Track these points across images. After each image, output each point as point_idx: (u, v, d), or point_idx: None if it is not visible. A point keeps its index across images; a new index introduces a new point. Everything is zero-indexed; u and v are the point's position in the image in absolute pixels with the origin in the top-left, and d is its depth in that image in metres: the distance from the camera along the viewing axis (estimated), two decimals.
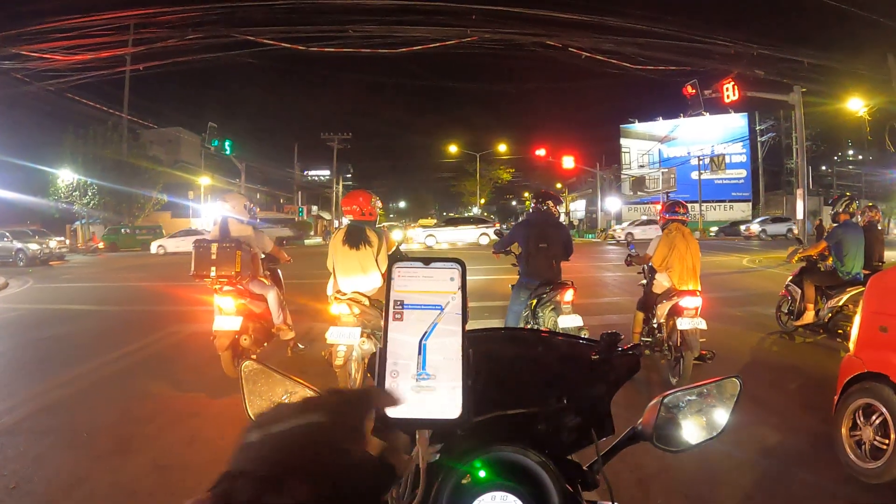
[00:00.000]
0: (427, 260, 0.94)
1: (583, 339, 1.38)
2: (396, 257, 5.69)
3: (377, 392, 0.72)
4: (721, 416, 1.13)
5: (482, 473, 0.99)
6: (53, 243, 29.19)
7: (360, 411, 0.62)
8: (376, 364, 0.89)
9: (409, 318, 0.90)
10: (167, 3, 21.01)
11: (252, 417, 1.08)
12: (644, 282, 6.83)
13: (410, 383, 0.86)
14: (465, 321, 0.91)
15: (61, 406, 5.44)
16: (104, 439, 4.59)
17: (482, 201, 65.15)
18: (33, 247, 27.54)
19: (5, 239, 27.58)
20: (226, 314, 5.69)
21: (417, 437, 0.87)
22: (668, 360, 5.94)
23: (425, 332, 0.88)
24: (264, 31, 18.51)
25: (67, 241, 33.32)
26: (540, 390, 1.23)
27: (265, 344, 6.28)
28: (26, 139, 40.16)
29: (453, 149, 55.55)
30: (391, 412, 0.83)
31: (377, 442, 0.63)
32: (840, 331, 6.93)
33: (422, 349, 0.88)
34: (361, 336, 4.98)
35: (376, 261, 5.35)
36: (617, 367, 1.26)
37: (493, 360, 1.19)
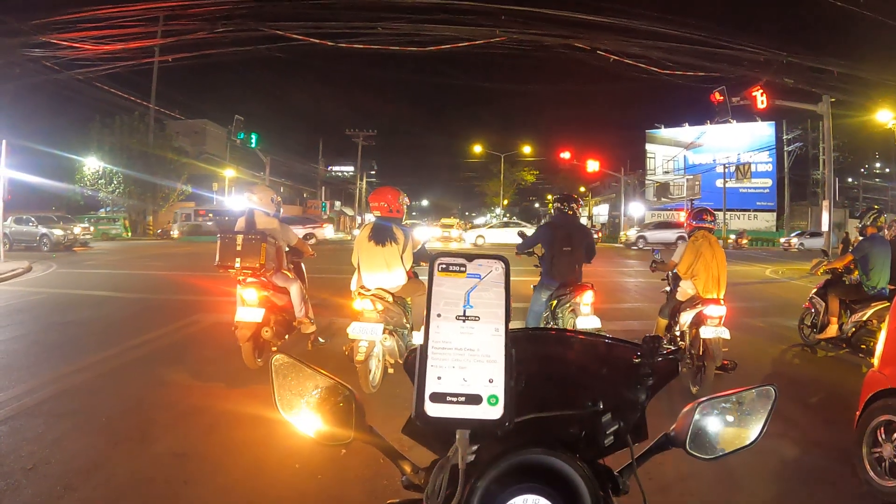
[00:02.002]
0: (470, 256, 0.92)
1: (623, 341, 1.37)
2: (422, 255, 5.73)
3: None
4: (756, 424, 1.12)
5: (516, 475, 0.98)
6: (77, 229, 29.55)
7: None
8: (416, 363, 0.89)
9: (451, 314, 0.90)
10: None
11: (281, 410, 1.09)
12: (668, 288, 6.78)
13: (452, 385, 0.85)
14: (508, 320, 0.90)
15: (81, 390, 5.48)
16: (122, 425, 4.62)
17: (505, 202, 64.99)
18: (57, 232, 27.86)
19: (30, 224, 27.94)
20: (248, 305, 5.71)
21: (458, 436, 0.85)
22: (690, 369, 5.88)
23: (468, 332, 0.88)
24: (293, 25, 18.62)
25: (91, 228, 33.66)
26: (578, 393, 1.22)
27: (286, 336, 6.29)
28: (54, 126, 40.92)
29: (478, 149, 55.46)
30: (432, 411, 0.82)
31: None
32: (863, 346, 6.80)
33: (464, 349, 0.87)
34: (384, 332, 4.99)
35: (401, 258, 5.34)
36: (657, 371, 1.25)
37: (533, 360, 1.18)
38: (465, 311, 0.87)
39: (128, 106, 37.03)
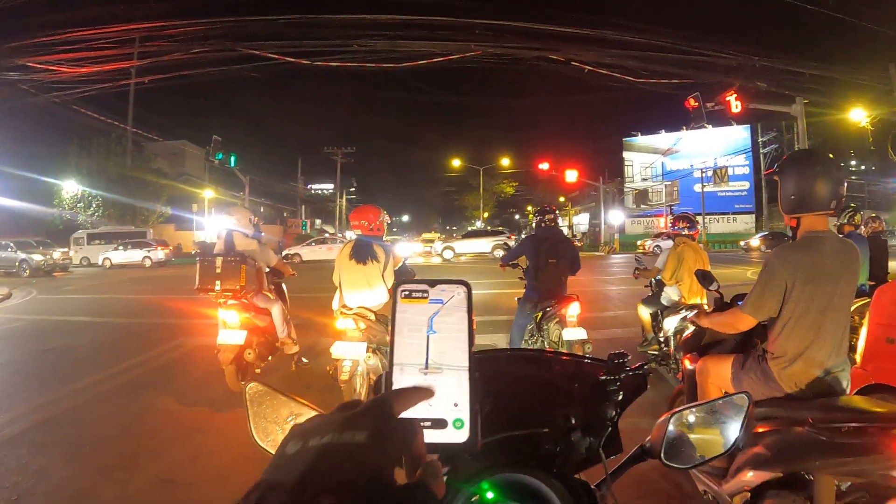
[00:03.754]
0: (432, 282, 0.93)
1: (590, 358, 1.38)
2: (403, 272, 5.73)
3: (418, 424, 0.71)
4: (732, 431, 1.13)
5: (490, 495, 0.97)
6: (57, 254, 29.27)
7: (405, 440, 0.61)
8: (383, 387, 0.89)
9: (413, 342, 0.90)
10: (173, 17, 21.06)
11: (257, 439, 1.08)
12: (651, 281, 6.86)
13: (417, 410, 0.86)
14: (471, 344, 0.90)
15: (64, 419, 5.41)
16: (107, 453, 4.56)
17: (485, 215, 65.17)
18: (37, 257, 27.59)
19: (9, 249, 27.67)
20: (230, 328, 5.68)
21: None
22: (675, 376, 5.93)
23: (429, 327, 0.89)
24: (269, 45, 18.59)
25: (71, 253, 33.38)
26: (548, 410, 1.23)
27: (269, 358, 6.26)
28: (31, 150, 40.58)
29: (457, 163, 55.59)
30: None
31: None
32: (848, 343, 6.87)
33: (427, 342, 0.88)
34: (367, 351, 4.96)
35: (383, 276, 5.33)
36: (625, 387, 1.26)
37: (500, 380, 1.19)
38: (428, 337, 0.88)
39: (105, 129, 36.83)
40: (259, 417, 1.07)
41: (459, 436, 0.83)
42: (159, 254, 33.25)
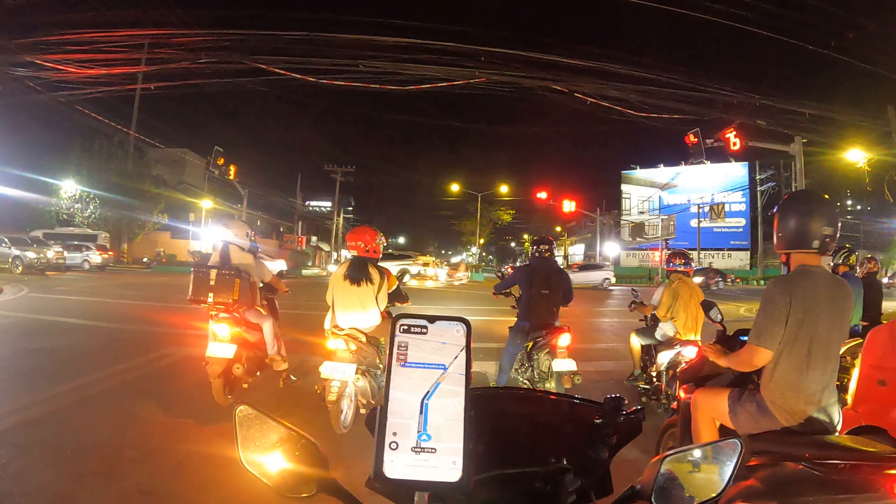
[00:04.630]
0: (432, 317, 0.94)
1: (586, 401, 1.38)
2: (398, 295, 5.74)
3: None
4: (722, 476, 1.13)
5: None
6: (51, 253, 29.14)
7: None
8: (376, 422, 0.89)
9: (411, 375, 0.89)
10: (182, 25, 21.19)
11: (244, 462, 1.07)
12: (645, 317, 6.86)
13: (411, 443, 0.86)
14: (468, 382, 0.90)
15: (46, 421, 5.35)
16: (89, 459, 4.50)
17: (482, 241, 65.13)
18: (31, 255, 27.46)
19: (3, 245, 27.53)
20: (220, 341, 5.63)
21: (416, 498, 0.86)
22: (667, 410, 5.91)
23: (427, 392, 0.88)
24: (276, 60, 18.73)
25: (65, 253, 33.30)
26: (541, 450, 1.23)
27: (258, 373, 6.22)
28: (33, 147, 40.67)
29: (455, 188, 55.54)
30: (391, 472, 0.83)
31: None
32: (838, 383, 6.83)
33: (423, 409, 0.87)
34: (357, 373, 4.95)
35: (376, 298, 5.34)
36: (619, 430, 1.26)
37: (494, 418, 1.18)
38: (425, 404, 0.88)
39: (109, 132, 36.91)
40: (247, 440, 1.07)
41: (452, 474, 0.83)
42: (97, 258, 32.86)
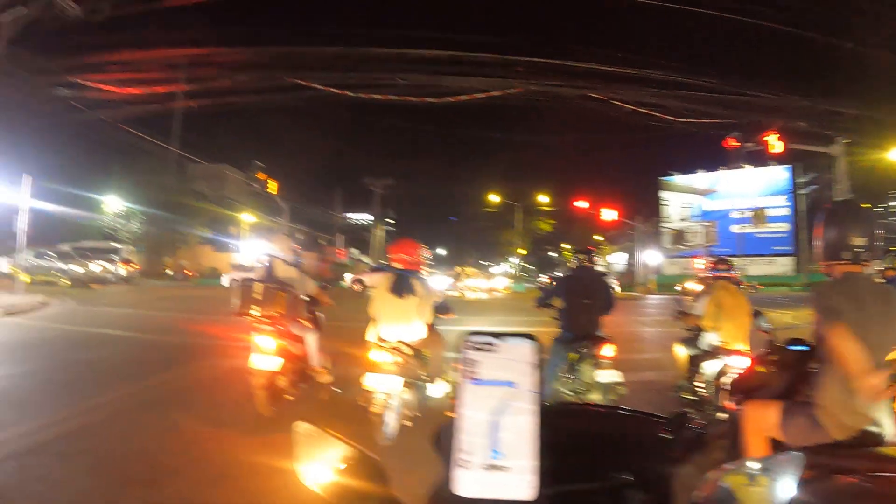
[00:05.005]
0: (501, 334, 0.93)
1: (652, 415, 1.37)
2: (442, 308, 5.75)
3: None
4: (779, 491, 1.10)
5: None
6: (97, 267, 29.89)
7: None
8: (446, 439, 0.89)
9: (482, 393, 0.89)
10: (220, 44, 21.67)
11: (304, 479, 1.07)
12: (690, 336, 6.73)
13: (482, 461, 0.86)
14: (538, 399, 0.90)
15: (91, 430, 5.45)
16: (132, 468, 4.57)
17: (522, 252, 64.80)
18: (76, 268, 28.18)
19: (49, 259, 28.33)
20: (265, 353, 5.68)
21: None
22: (712, 421, 5.79)
23: (498, 410, 0.88)
24: (314, 75, 19.01)
25: (112, 267, 34.10)
26: (604, 465, 1.22)
27: (301, 385, 6.26)
28: (78, 164, 41.81)
29: (494, 198, 55.32)
30: (462, 490, 0.83)
31: None
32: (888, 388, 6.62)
33: (494, 427, 0.87)
34: (402, 385, 4.96)
35: (420, 311, 5.35)
36: (685, 444, 1.24)
37: (560, 434, 1.18)
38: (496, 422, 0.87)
39: (150, 149, 37.74)
40: (305, 456, 1.07)
41: (524, 491, 0.83)
42: (121, 271, 33.39)
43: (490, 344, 0.92)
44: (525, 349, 0.91)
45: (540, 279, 35.35)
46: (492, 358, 0.91)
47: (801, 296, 35.52)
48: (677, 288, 36.32)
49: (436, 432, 1.12)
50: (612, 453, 1.27)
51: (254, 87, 20.23)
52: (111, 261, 33.63)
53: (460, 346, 0.93)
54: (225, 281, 34.17)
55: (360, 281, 32.76)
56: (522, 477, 0.84)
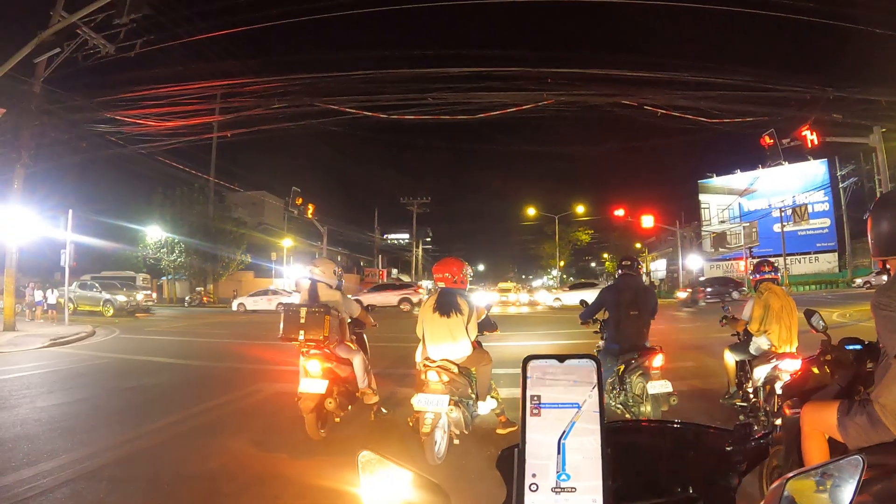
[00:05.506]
0: (561, 357, 0.95)
1: (716, 428, 1.36)
2: (487, 325, 5.75)
3: None
4: (844, 495, 1.09)
5: None
6: (140, 296, 30.51)
7: None
8: (515, 464, 0.90)
9: (546, 416, 0.90)
10: (253, 74, 22.09)
11: None
12: (738, 342, 6.61)
13: (551, 484, 0.87)
14: (603, 419, 0.91)
15: (142, 456, 5.54)
16: (185, 493, 4.63)
17: (561, 263, 64.38)
18: (120, 298, 28.85)
19: (94, 289, 29.01)
20: (312, 377, 5.74)
21: None
22: (766, 427, 5.67)
23: (564, 431, 0.89)
24: (346, 99, 19.24)
25: (154, 295, 34.70)
26: (669, 480, 1.22)
27: (349, 407, 6.28)
28: (119, 197, 43.02)
29: (531, 211, 55.09)
30: None
31: None
32: None
33: (561, 449, 0.88)
34: (449, 404, 4.95)
35: (466, 329, 5.35)
36: (749, 456, 1.24)
37: (624, 452, 1.19)
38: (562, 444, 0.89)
39: (189, 179, 38.64)
40: (371, 487, 1.09)
41: None
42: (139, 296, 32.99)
43: (552, 367, 0.93)
44: (586, 370, 0.93)
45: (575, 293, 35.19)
46: (554, 381, 0.92)
47: (848, 293, 34.68)
48: (681, 294, 35.87)
49: (501, 455, 1.14)
50: (675, 469, 1.27)
51: (288, 114, 20.52)
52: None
53: (522, 371, 0.94)
54: (234, 306, 34.78)
55: (407, 300, 32.79)
56: (591, 497, 0.85)
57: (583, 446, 0.88)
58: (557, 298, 36.75)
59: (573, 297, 34.36)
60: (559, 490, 0.86)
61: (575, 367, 0.93)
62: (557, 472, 0.86)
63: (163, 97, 18.95)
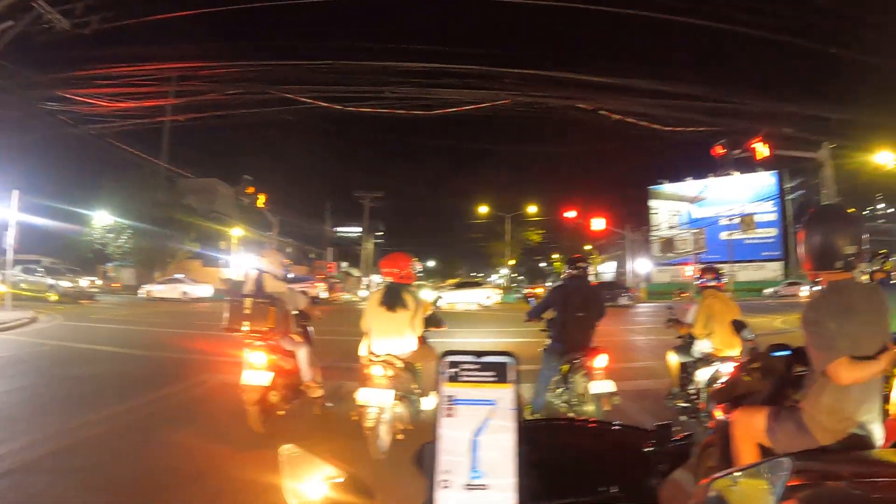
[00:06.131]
0: (479, 353, 0.94)
1: (636, 428, 1.37)
2: (433, 320, 5.74)
3: None
4: (769, 497, 1.10)
5: None
6: (85, 282, 29.66)
7: None
8: (427, 459, 0.89)
9: (460, 413, 0.90)
10: (210, 58, 21.61)
11: (291, 501, 1.07)
12: (682, 344, 6.74)
13: (463, 481, 0.86)
14: (518, 417, 0.90)
15: (84, 447, 5.40)
16: (126, 485, 4.53)
17: (511, 262, 64.79)
18: (65, 283, 28.00)
19: (38, 273, 28.11)
20: (256, 369, 5.65)
21: None
22: (706, 429, 5.80)
23: (478, 428, 0.88)
24: (302, 89, 19.01)
25: (99, 282, 33.76)
26: (590, 479, 1.22)
27: (293, 400, 6.23)
28: (67, 179, 41.66)
29: (483, 209, 55.27)
30: None
31: None
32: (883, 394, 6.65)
33: (474, 446, 0.87)
34: (394, 399, 4.94)
35: (412, 324, 5.35)
36: (669, 457, 1.25)
37: (543, 450, 1.18)
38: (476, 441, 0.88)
39: (139, 163, 37.53)
40: (293, 479, 1.06)
41: None
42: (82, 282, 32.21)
43: (468, 363, 0.92)
44: (504, 367, 0.92)
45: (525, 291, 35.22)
46: (471, 377, 0.91)
47: (790, 302, 35.80)
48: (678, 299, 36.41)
49: (418, 451, 1.12)
50: (597, 467, 1.28)
51: (243, 101, 20.20)
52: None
53: (439, 367, 0.93)
54: (142, 292, 34.22)
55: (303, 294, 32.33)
56: (503, 495, 0.85)
57: (497, 444, 0.87)
58: (440, 297, 36.18)
59: (456, 297, 34.27)
60: (471, 487, 0.85)
61: (492, 364, 0.92)
62: (470, 470, 0.86)
63: (117, 77, 18.43)
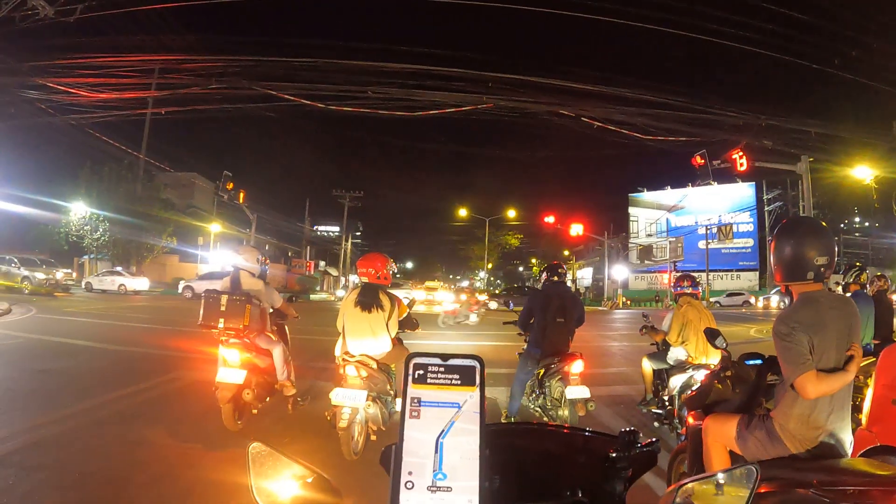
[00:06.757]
0: (445, 356, 0.94)
1: (601, 433, 1.38)
2: (408, 322, 5.73)
3: None
4: (739, 503, 1.11)
5: None
6: (60, 274, 29.26)
7: None
8: (391, 461, 0.89)
9: (425, 415, 0.90)
10: (193, 51, 21.39)
11: (257, 499, 1.06)
12: (656, 351, 6.79)
13: (426, 483, 0.86)
14: (483, 420, 0.90)
15: (54, 443, 5.32)
16: (97, 482, 4.47)
17: (489, 266, 64.94)
18: (39, 276, 27.66)
19: (13, 265, 27.71)
20: (230, 367, 5.61)
21: None
22: (679, 435, 5.85)
23: (442, 431, 0.89)
24: (285, 86, 18.90)
25: (74, 274, 33.30)
26: (556, 484, 1.23)
27: (267, 399, 6.18)
28: (44, 169, 40.94)
29: (463, 213, 55.25)
30: None
31: None
32: (853, 403, 6.75)
33: (438, 448, 0.88)
34: (367, 399, 4.93)
35: (387, 325, 5.34)
36: (634, 462, 1.25)
37: (509, 454, 1.18)
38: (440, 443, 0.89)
39: (119, 155, 37.06)
40: (260, 477, 1.07)
41: None
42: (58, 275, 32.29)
43: (434, 366, 0.92)
44: (469, 370, 0.92)
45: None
46: (436, 380, 0.91)
47: (765, 311, 36.27)
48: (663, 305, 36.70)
49: (384, 452, 1.12)
50: (564, 472, 1.28)
51: (225, 95, 20.03)
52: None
53: (405, 369, 0.93)
54: (83, 285, 33.85)
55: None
56: (467, 497, 0.85)
57: (461, 446, 0.88)
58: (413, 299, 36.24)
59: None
60: (435, 489, 0.85)
61: (458, 367, 0.93)
62: (434, 471, 0.86)
63: (98, 67, 18.17)
